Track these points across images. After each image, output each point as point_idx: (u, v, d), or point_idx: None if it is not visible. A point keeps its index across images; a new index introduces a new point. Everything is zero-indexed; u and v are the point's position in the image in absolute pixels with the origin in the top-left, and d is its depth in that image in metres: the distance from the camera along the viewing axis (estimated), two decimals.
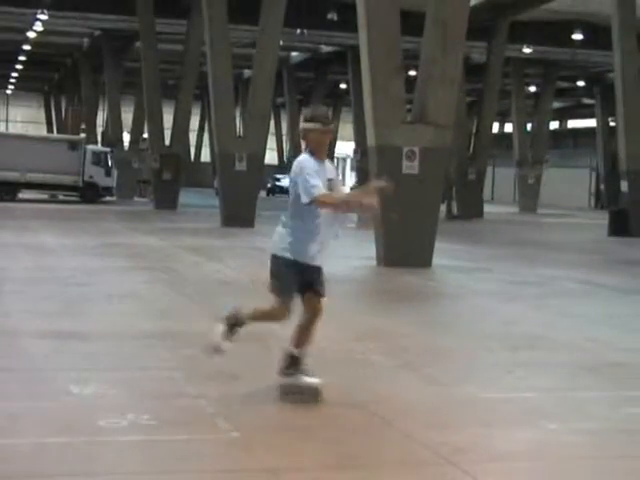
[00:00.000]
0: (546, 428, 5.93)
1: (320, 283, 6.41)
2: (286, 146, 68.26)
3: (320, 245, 6.29)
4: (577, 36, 39.20)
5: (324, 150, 6.26)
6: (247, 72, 45.62)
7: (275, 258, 6.34)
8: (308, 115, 6.31)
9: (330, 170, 6.32)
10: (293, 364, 6.45)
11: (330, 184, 6.20)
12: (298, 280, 6.31)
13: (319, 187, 6.04)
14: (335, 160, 74.66)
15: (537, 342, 9.19)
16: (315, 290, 6.40)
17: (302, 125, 6.29)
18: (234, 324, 6.45)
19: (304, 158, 6.19)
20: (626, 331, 10.22)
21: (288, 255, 6.24)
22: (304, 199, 6.09)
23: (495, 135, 51.67)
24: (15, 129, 74.22)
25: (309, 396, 6.29)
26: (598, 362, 8.30)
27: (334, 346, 8.57)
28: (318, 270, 6.38)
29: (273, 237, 6.42)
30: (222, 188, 28.18)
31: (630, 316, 11.64)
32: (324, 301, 6.45)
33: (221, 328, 6.43)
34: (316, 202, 6.07)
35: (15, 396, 6.37)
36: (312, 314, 6.45)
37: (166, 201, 36.24)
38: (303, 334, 6.50)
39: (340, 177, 6.47)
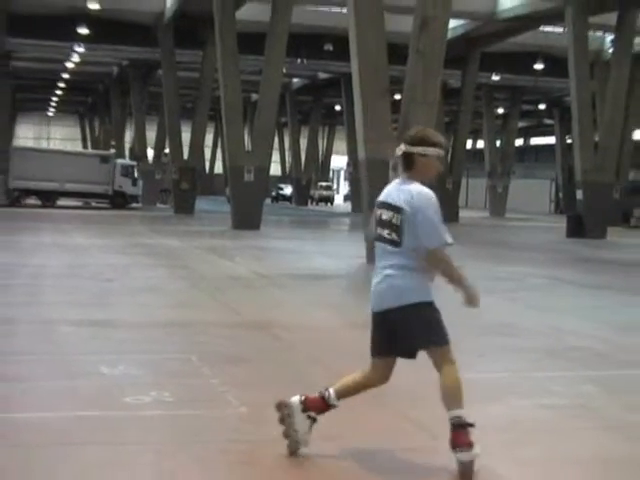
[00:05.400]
0: (515, 404, 5.90)
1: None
2: (288, 160, 68.22)
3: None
4: (539, 66, 39.27)
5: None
6: (254, 96, 45.53)
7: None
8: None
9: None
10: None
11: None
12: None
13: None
14: (331, 172, 74.78)
15: (506, 329, 9.15)
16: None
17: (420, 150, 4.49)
18: None
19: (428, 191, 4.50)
20: (584, 320, 10.18)
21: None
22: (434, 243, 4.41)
23: (469, 150, 51.62)
24: (55, 145, 74.17)
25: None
26: (559, 347, 8.27)
27: (330, 332, 8.54)
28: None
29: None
30: (233, 196, 28.13)
31: (587, 307, 11.61)
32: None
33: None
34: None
35: (53, 376, 6.35)
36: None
37: (184, 207, 36.23)
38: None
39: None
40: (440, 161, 4.52)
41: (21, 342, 7.68)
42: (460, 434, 4.32)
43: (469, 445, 4.30)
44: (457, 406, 4.35)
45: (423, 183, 4.53)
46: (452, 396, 4.36)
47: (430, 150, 4.47)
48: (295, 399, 4.64)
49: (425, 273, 4.47)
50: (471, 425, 4.35)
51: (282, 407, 4.64)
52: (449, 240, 4.39)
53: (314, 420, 4.61)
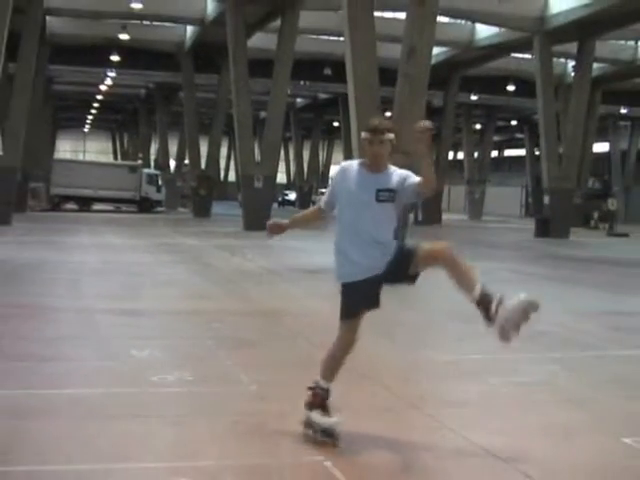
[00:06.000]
0: (489, 382, 5.91)
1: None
2: (293, 169, 68.16)
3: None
4: (510, 87, 39.35)
5: (377, 161, 4.40)
6: (263, 113, 45.51)
7: None
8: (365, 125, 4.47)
9: (385, 181, 4.40)
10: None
11: (390, 195, 4.40)
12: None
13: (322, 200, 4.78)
14: (330, 180, 74.70)
15: (481, 317, 9.12)
16: None
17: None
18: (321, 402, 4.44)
19: (343, 165, 4.63)
20: (548, 308, 10.12)
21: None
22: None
23: (450, 161, 51.57)
24: (90, 157, 74.17)
25: None
26: (528, 332, 8.20)
27: (324, 319, 8.53)
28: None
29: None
30: (244, 201, 28.14)
31: (551, 297, 11.57)
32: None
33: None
34: None
35: (89, 357, 6.37)
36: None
37: (202, 211, 36.21)
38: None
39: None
40: (370, 143, 4.34)
41: (64, 328, 7.70)
42: (312, 396, 4.40)
43: (316, 407, 4.37)
44: (324, 376, 4.43)
45: (397, 165, 4.47)
46: (324, 365, 4.46)
47: (362, 134, 4.42)
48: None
49: (340, 252, 4.47)
50: (324, 393, 4.40)
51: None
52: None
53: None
